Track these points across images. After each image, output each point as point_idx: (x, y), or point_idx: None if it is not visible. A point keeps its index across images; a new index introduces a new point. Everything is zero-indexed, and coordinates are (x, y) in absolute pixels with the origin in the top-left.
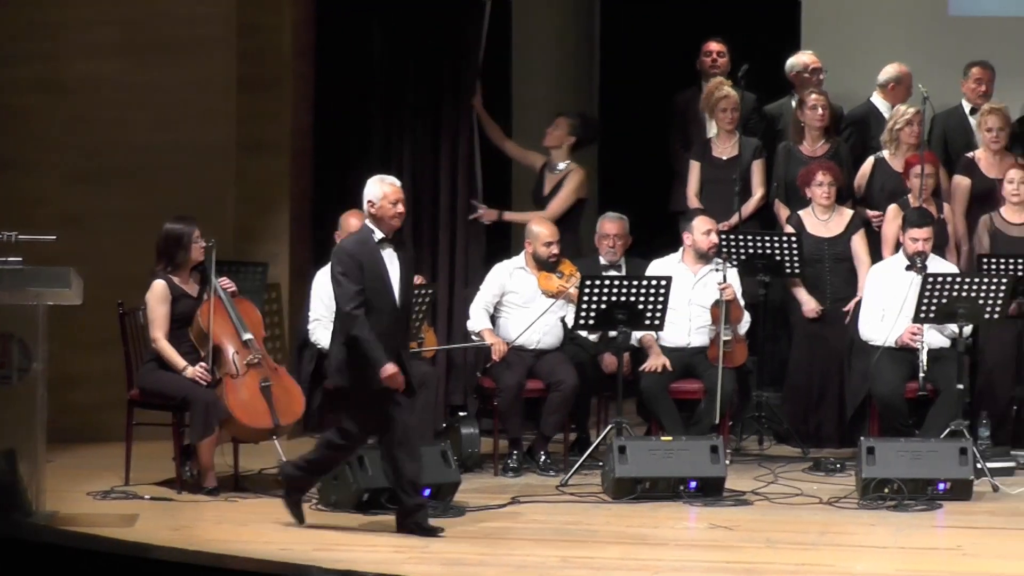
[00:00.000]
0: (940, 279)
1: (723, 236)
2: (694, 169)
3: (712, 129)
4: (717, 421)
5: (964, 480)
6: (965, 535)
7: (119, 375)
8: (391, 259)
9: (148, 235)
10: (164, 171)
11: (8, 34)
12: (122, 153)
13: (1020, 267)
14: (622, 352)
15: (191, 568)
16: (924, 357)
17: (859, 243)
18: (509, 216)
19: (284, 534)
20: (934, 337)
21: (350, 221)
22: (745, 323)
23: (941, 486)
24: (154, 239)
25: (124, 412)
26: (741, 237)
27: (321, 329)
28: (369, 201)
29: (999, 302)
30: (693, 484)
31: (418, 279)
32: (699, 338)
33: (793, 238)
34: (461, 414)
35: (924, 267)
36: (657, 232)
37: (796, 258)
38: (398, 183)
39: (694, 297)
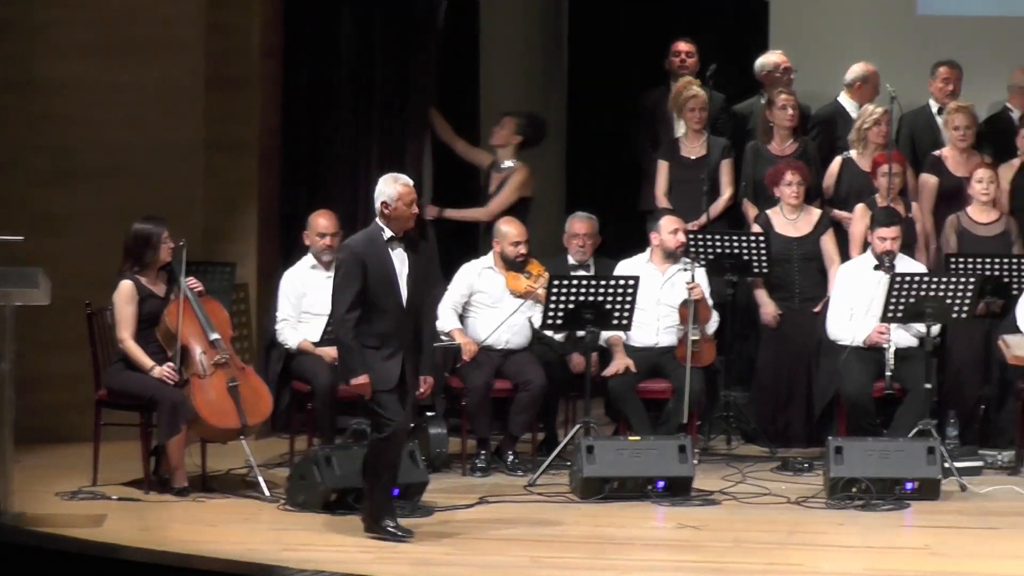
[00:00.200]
0: (908, 278)
1: (691, 236)
2: (662, 169)
3: (680, 129)
4: (685, 421)
5: (932, 479)
6: (933, 534)
7: (87, 375)
8: (400, 258)
9: (116, 235)
10: (132, 171)
11: None
12: (90, 153)
13: (988, 267)
14: (590, 352)
15: (159, 568)
16: (891, 356)
17: (828, 243)
18: (450, 213)
19: (251, 534)
20: (901, 336)
21: (319, 221)
22: (713, 323)
23: (909, 485)
24: (122, 239)
25: (92, 412)
26: (709, 237)
27: (289, 329)
28: (383, 202)
29: (967, 302)
30: (661, 484)
31: None
32: (667, 338)
33: (761, 238)
34: (429, 414)
35: (892, 266)
36: (626, 232)
37: (764, 258)
38: (411, 182)
39: (662, 297)
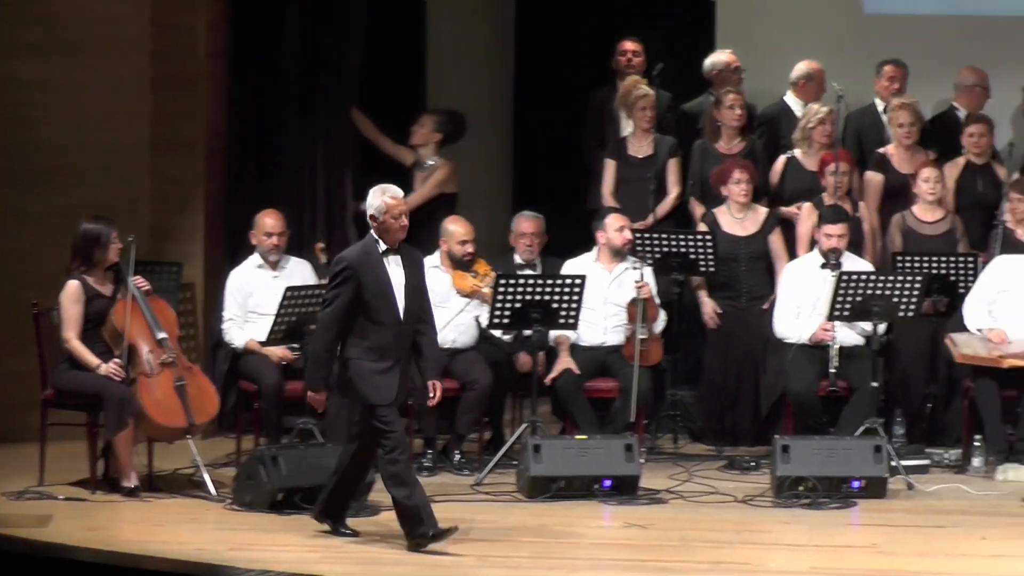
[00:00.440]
0: (854, 277)
1: (638, 235)
2: (609, 168)
3: (628, 128)
4: (632, 420)
5: (879, 478)
6: (880, 533)
7: (33, 375)
8: (396, 269)
9: (62, 235)
10: (79, 171)
11: None
12: (36, 153)
13: (934, 265)
14: (537, 351)
15: (106, 568)
16: (834, 354)
17: (776, 241)
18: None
19: (198, 534)
20: (848, 335)
21: (265, 221)
22: (661, 322)
23: (855, 484)
24: (69, 238)
25: (38, 412)
26: (656, 236)
27: (235, 329)
28: (371, 215)
29: (913, 300)
30: (608, 483)
31: None
32: (614, 336)
33: (708, 236)
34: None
35: (838, 264)
36: (573, 231)
37: (711, 256)
38: (400, 194)
39: (609, 296)
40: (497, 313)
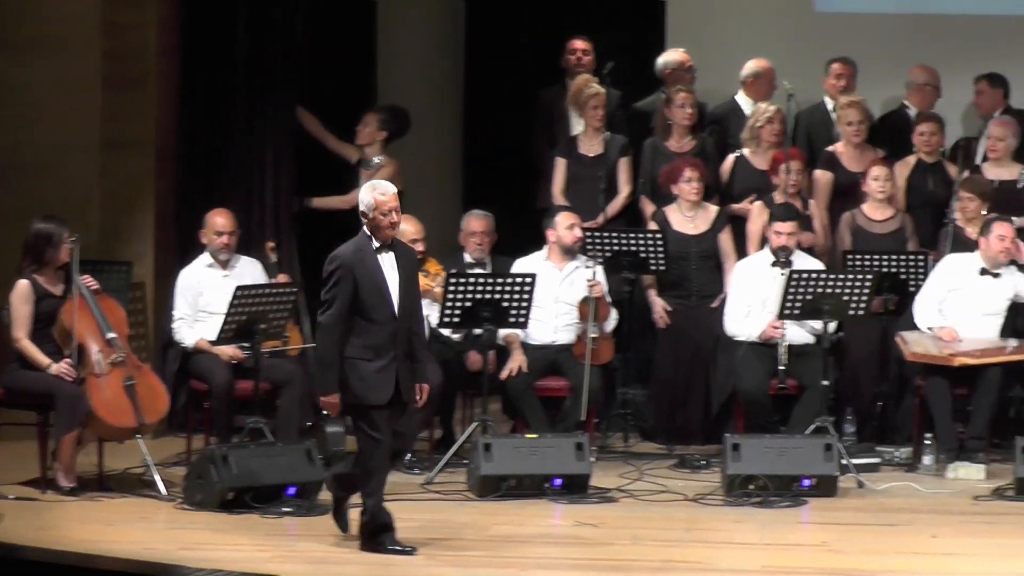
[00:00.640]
0: (805, 275)
1: (588, 234)
2: (560, 166)
3: (578, 126)
4: (583, 418)
5: (829, 476)
6: (830, 531)
7: None
8: (390, 267)
9: (12, 234)
10: (28, 170)
11: None
12: None
13: (884, 264)
14: (487, 350)
15: (56, 568)
16: (783, 352)
17: (726, 240)
18: (313, 203)
19: (149, 533)
20: (798, 333)
21: (215, 220)
22: (612, 320)
23: (806, 482)
24: (18, 238)
25: None
26: (606, 234)
27: (185, 328)
28: (362, 211)
29: (864, 299)
30: (558, 481)
31: (282, 277)
32: (565, 335)
33: (658, 235)
34: (326, 412)
35: (788, 261)
36: (523, 230)
37: (661, 255)
38: (392, 190)
39: (560, 294)
40: (447, 312)
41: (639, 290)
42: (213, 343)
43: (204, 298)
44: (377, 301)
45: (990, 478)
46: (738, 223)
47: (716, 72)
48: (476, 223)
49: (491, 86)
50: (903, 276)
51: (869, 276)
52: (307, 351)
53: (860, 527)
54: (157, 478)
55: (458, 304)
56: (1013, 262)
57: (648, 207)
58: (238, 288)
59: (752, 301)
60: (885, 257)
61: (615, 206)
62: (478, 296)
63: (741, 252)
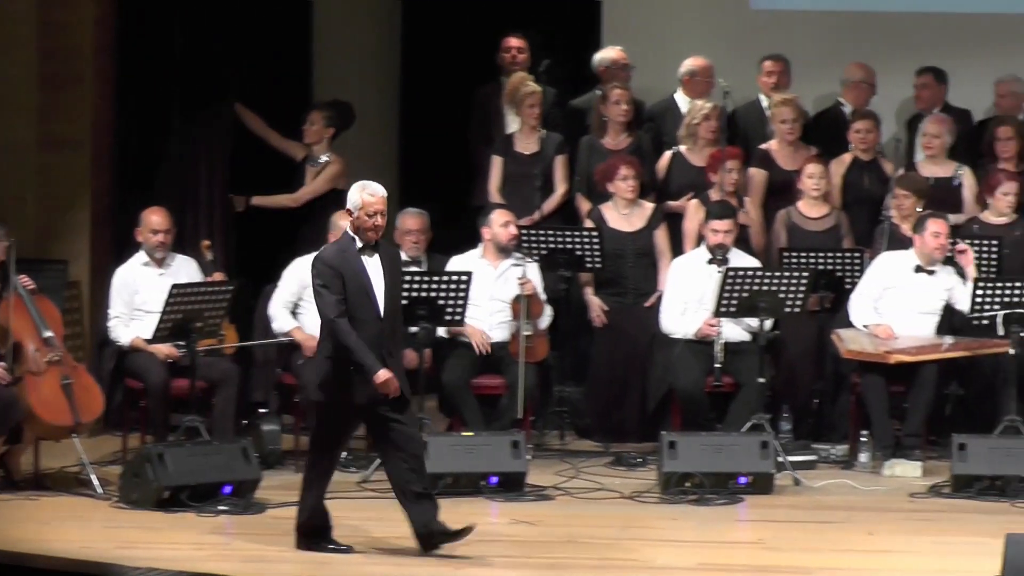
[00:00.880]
0: (741, 273)
1: (524, 231)
2: (496, 164)
3: (514, 124)
4: (519, 416)
5: (765, 474)
6: (766, 528)
7: None
8: (375, 267)
9: None
10: None
11: None
12: None
13: (820, 261)
14: (423, 348)
15: None
16: (719, 350)
17: (661, 238)
18: (257, 201)
19: (85, 532)
20: (734, 331)
21: (151, 218)
22: (546, 318)
23: (742, 480)
24: None
25: None
26: (542, 232)
27: (121, 326)
28: (348, 210)
29: (800, 296)
30: (494, 479)
31: (217, 275)
32: (501, 333)
33: (594, 233)
34: (262, 411)
35: (725, 259)
36: (459, 228)
37: (597, 253)
38: (381, 193)
39: (495, 292)
40: None
41: (575, 288)
42: (149, 341)
43: (140, 296)
44: (362, 301)
45: (926, 475)
46: (675, 221)
47: (655, 70)
48: (411, 221)
49: (427, 84)
50: (839, 274)
51: (805, 274)
52: (251, 349)
53: (796, 524)
54: (93, 477)
55: None
56: (950, 261)
57: (584, 205)
58: (174, 286)
59: (688, 299)
60: (821, 255)
61: (551, 204)
62: (413, 294)
63: (678, 250)
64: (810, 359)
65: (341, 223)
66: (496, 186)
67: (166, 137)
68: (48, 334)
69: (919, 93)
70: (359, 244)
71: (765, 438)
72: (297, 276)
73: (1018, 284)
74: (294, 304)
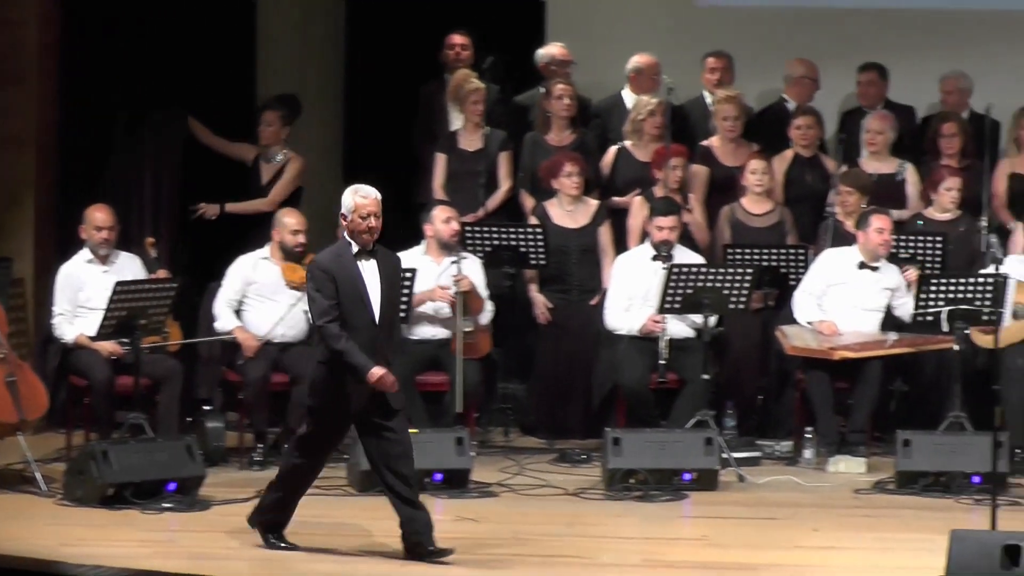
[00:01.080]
0: (685, 269)
1: (468, 228)
2: (440, 161)
3: (458, 121)
4: (461, 411)
5: (710, 470)
6: (711, 525)
7: None
8: (370, 272)
9: None
10: None
11: None
12: None
13: (764, 257)
14: None
15: None
16: (663, 346)
17: (605, 234)
18: (232, 207)
19: (29, 530)
20: (678, 327)
21: (95, 215)
22: (487, 313)
23: (687, 476)
24: None
25: None
26: (486, 229)
27: (65, 324)
28: (342, 214)
29: (744, 292)
30: (438, 476)
31: (161, 272)
32: (444, 330)
33: (538, 229)
34: (206, 408)
35: (669, 256)
36: (403, 225)
37: (541, 249)
38: (373, 194)
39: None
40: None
41: (520, 284)
42: (93, 339)
43: (84, 293)
44: (357, 307)
45: (871, 471)
46: (619, 217)
47: (601, 67)
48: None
49: (371, 82)
50: (783, 270)
51: (749, 270)
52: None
53: (741, 521)
54: (37, 474)
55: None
56: (894, 259)
57: (528, 201)
58: (118, 284)
59: (633, 295)
60: (765, 251)
61: (495, 200)
62: None
63: (623, 246)
64: (754, 355)
65: (285, 220)
66: (440, 183)
67: (111, 135)
68: None
69: (861, 90)
70: (355, 249)
71: (710, 434)
72: (241, 274)
73: (962, 280)
74: (238, 303)
